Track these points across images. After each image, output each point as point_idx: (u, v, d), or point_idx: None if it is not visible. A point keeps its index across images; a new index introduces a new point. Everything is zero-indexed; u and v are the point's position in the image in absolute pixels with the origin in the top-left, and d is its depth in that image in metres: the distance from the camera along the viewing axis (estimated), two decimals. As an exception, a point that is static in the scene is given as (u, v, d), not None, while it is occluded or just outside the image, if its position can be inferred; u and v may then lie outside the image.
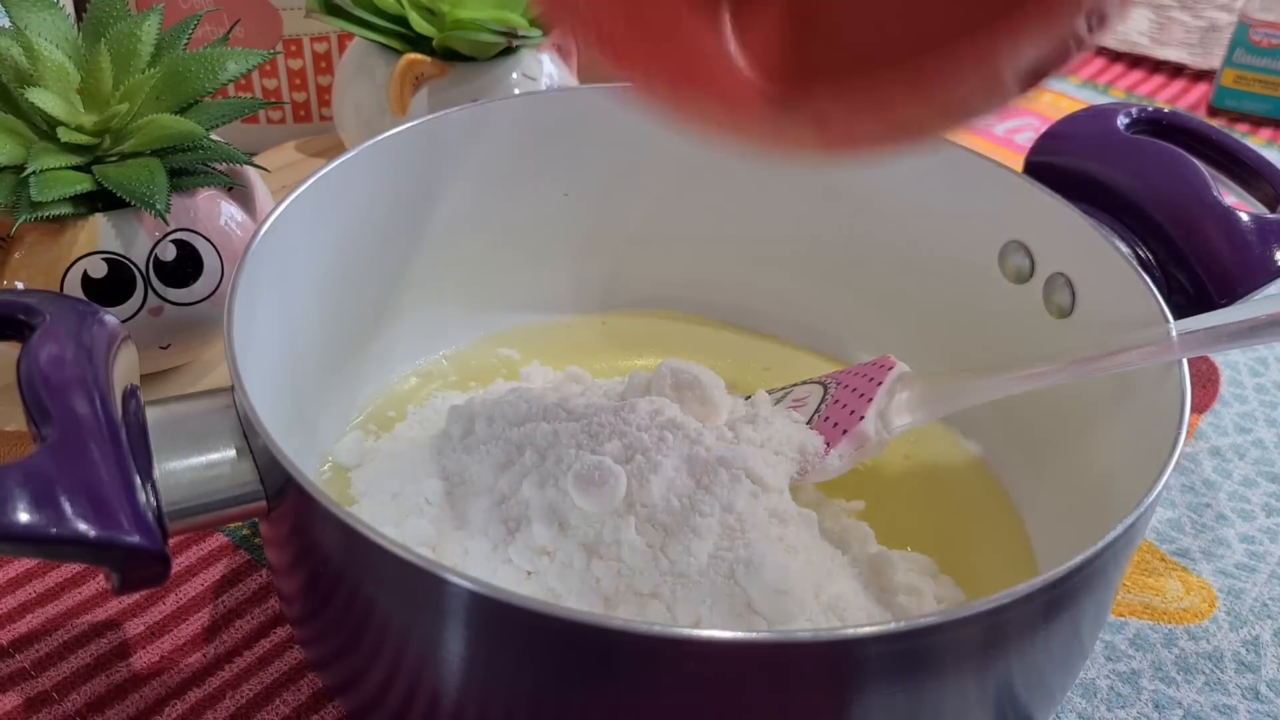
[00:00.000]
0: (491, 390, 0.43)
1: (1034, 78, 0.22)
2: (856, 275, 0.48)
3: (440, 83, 0.51)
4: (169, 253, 0.42)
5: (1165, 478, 0.30)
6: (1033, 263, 0.42)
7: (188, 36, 0.44)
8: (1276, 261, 0.45)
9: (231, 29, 0.47)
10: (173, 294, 0.42)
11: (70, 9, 0.54)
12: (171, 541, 0.29)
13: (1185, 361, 0.34)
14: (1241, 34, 0.72)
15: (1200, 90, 0.78)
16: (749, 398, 0.42)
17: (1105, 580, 0.31)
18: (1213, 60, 0.79)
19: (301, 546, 0.31)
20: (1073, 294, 0.40)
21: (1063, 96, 0.75)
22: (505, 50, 0.52)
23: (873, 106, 0.24)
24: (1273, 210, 0.48)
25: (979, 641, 0.28)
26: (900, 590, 0.36)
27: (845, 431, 0.38)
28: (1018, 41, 0.22)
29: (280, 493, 0.30)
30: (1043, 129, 0.51)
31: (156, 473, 0.30)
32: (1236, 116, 0.74)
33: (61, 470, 0.27)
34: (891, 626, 0.26)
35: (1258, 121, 0.74)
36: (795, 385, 0.43)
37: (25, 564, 0.40)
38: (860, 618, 0.34)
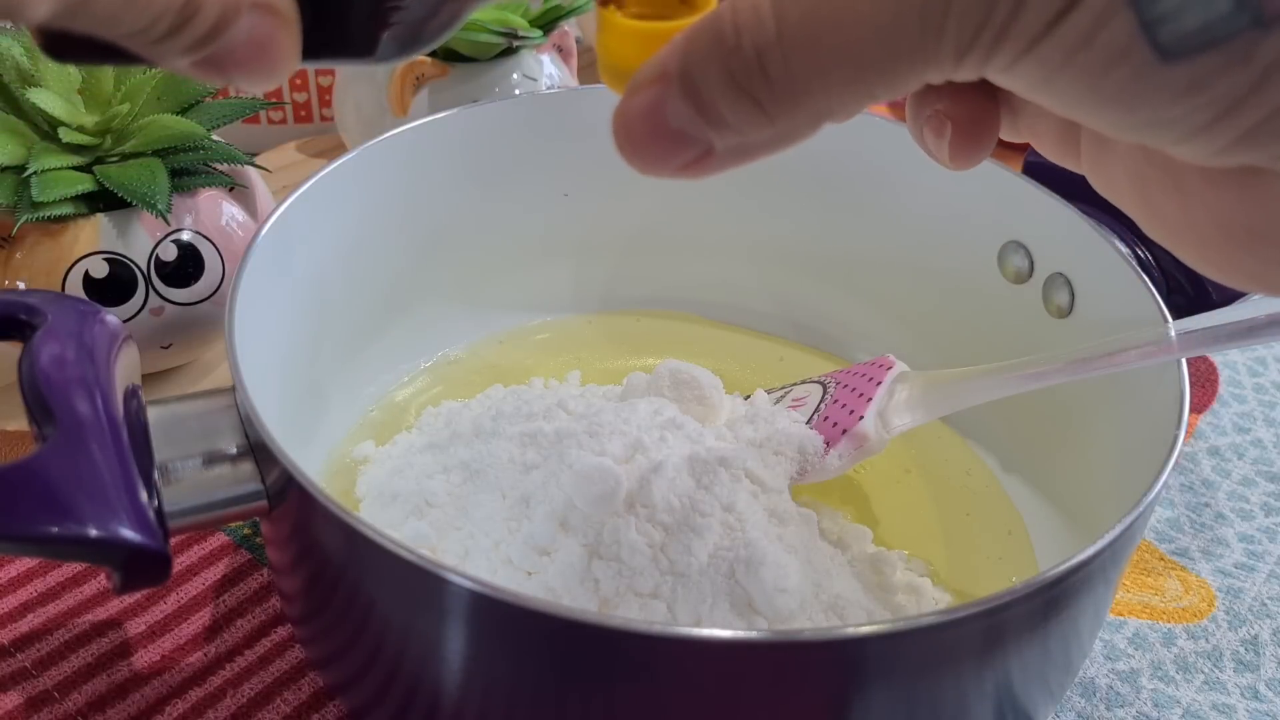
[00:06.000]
0: (491, 391, 0.43)
1: None
2: (856, 275, 0.48)
3: (441, 83, 0.51)
4: (170, 253, 0.42)
5: (1164, 477, 0.30)
6: (1032, 263, 0.42)
7: (189, 37, 0.44)
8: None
9: (232, 29, 0.47)
10: (174, 294, 0.42)
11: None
12: (173, 541, 0.29)
13: (1184, 361, 0.34)
14: None
15: None
16: (749, 398, 0.42)
17: (1104, 579, 0.31)
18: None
19: (302, 546, 0.31)
20: (1072, 294, 0.40)
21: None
22: (505, 51, 0.52)
23: None
24: (1272, 210, 0.48)
25: (979, 641, 0.28)
26: (899, 589, 0.36)
27: (845, 431, 0.38)
28: None
29: (281, 493, 0.30)
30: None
31: (158, 472, 0.30)
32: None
33: (63, 470, 0.27)
34: (891, 626, 0.26)
35: None
36: (795, 385, 0.43)
37: (26, 563, 0.40)
38: (860, 617, 0.34)
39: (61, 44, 0.20)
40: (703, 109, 0.21)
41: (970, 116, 0.24)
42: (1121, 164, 0.23)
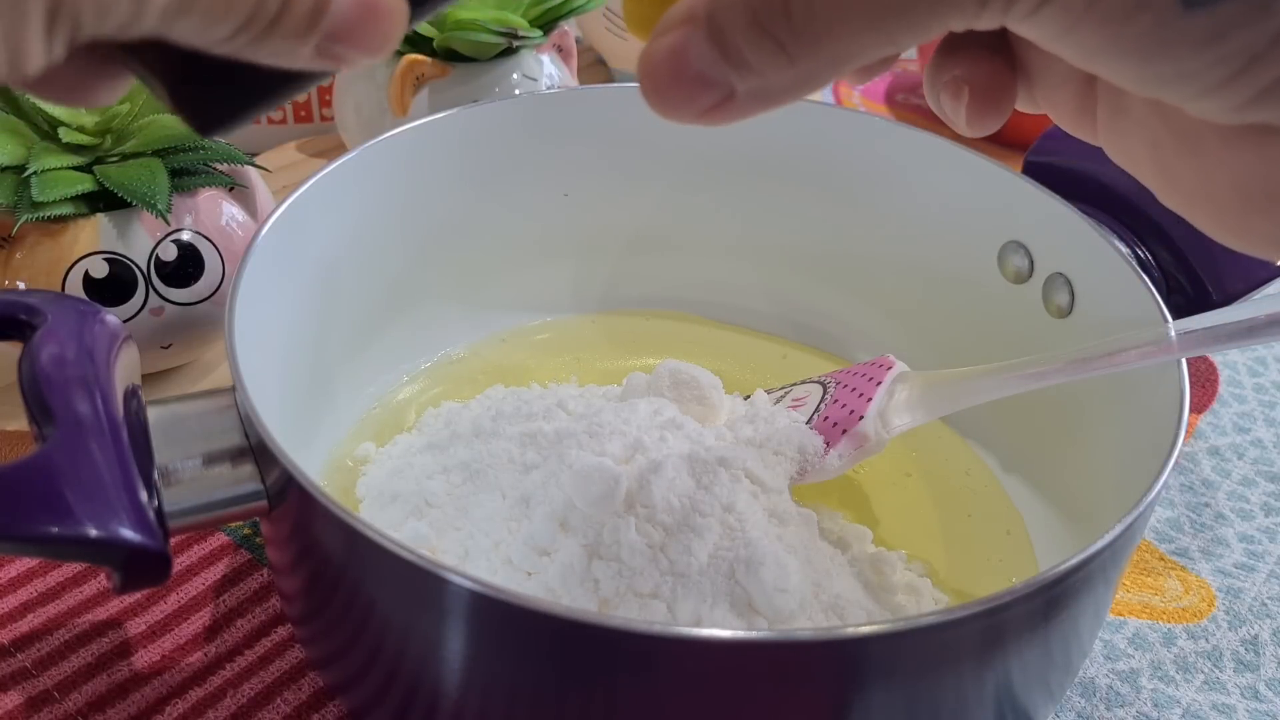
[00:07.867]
0: (491, 391, 0.43)
1: None
2: (856, 275, 0.48)
3: (441, 83, 0.51)
4: (170, 253, 0.42)
5: (1164, 477, 0.30)
6: (1032, 263, 0.42)
7: (189, 37, 0.44)
8: (1275, 261, 0.45)
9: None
10: (174, 294, 0.42)
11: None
12: (173, 541, 0.29)
13: (1184, 361, 0.34)
14: None
15: None
16: (749, 398, 0.42)
17: (1104, 579, 0.31)
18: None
19: (302, 546, 0.31)
20: (1072, 294, 0.40)
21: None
22: (505, 51, 0.52)
23: None
24: (1272, 210, 0.48)
25: (979, 641, 0.28)
26: (899, 589, 0.36)
27: (845, 431, 0.38)
28: None
29: (281, 493, 0.30)
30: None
31: (158, 472, 0.30)
32: None
33: (63, 470, 0.27)
34: (891, 626, 0.26)
35: None
36: (795, 385, 0.43)
37: (26, 563, 0.40)
38: (860, 617, 0.34)
39: (204, 109, 0.21)
40: (725, 50, 0.21)
41: (987, 82, 0.24)
42: (1138, 130, 0.23)
